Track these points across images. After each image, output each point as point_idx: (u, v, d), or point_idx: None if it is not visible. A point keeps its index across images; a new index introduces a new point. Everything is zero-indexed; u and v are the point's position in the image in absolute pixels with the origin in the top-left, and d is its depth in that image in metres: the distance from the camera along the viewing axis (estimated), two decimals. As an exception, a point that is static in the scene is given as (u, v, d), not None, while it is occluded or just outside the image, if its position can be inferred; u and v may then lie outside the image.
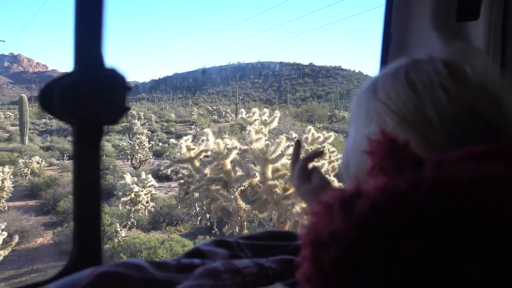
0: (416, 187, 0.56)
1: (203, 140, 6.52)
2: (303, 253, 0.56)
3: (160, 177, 16.47)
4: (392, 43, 1.53)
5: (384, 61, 1.55)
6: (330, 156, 7.12)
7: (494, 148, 0.64)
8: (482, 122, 0.73)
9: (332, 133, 7.33)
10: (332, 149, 7.26)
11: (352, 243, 0.52)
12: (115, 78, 1.08)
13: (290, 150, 6.26)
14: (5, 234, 9.00)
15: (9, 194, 13.23)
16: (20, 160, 17.70)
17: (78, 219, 1.11)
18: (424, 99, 0.74)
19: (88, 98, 1.06)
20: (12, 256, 9.88)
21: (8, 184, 13.01)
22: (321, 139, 7.10)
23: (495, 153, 0.63)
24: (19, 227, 11.32)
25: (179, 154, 6.69)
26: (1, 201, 12.71)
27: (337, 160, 7.08)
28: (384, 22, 1.56)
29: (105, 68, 1.07)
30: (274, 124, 6.87)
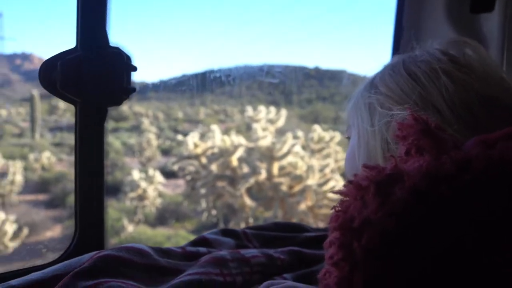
0: (464, 167, 0.52)
1: (209, 137, 6.58)
2: (331, 236, 0.53)
3: (167, 174, 16.49)
4: (404, 37, 1.49)
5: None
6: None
7: None
8: (495, 105, 0.71)
9: (337, 133, 7.36)
10: (338, 148, 7.31)
11: (388, 232, 0.49)
12: (119, 57, 1.05)
13: (296, 148, 6.32)
14: (15, 226, 9.13)
15: (20, 188, 13.35)
16: (31, 155, 17.81)
17: (80, 202, 1.09)
18: (429, 88, 0.73)
19: (90, 76, 1.01)
20: (21, 248, 9.99)
21: (19, 178, 13.12)
22: (327, 139, 7.14)
23: None
24: (29, 220, 11.43)
25: (186, 150, 6.74)
26: (12, 195, 12.81)
27: (342, 159, 7.11)
28: (396, 16, 1.51)
29: (109, 46, 1.03)
30: (281, 122, 6.92)
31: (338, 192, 0.56)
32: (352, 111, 0.87)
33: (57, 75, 1.00)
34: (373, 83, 0.83)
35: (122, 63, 1.06)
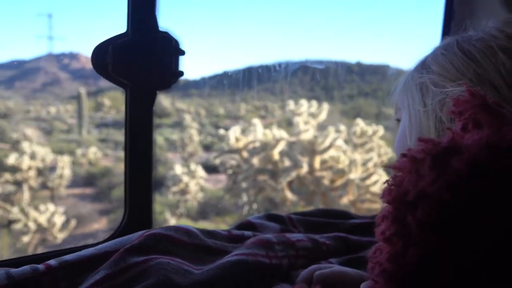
0: None
1: (251, 131, 6.62)
2: (384, 211, 0.52)
3: (209, 169, 16.73)
4: (455, 19, 1.45)
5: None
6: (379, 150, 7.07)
7: None
8: None
9: (381, 127, 7.26)
10: (381, 143, 7.20)
11: (444, 205, 0.47)
12: (168, 41, 1.07)
13: (338, 142, 6.26)
14: (63, 218, 9.50)
15: (68, 182, 13.90)
16: (78, 151, 18.45)
17: (130, 185, 1.10)
18: (485, 66, 0.72)
19: (140, 59, 1.04)
20: (69, 239, 10.37)
21: (67, 172, 13.64)
22: (370, 133, 7.05)
23: None
24: (76, 212, 11.87)
25: (227, 145, 6.81)
26: (60, 188, 13.33)
27: (385, 154, 7.02)
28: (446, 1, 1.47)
29: (158, 31, 1.05)
30: (323, 116, 6.89)
31: (391, 166, 0.53)
32: (402, 93, 0.86)
33: (108, 58, 1.02)
34: (425, 64, 0.82)
35: (171, 47, 1.08)
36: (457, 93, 0.69)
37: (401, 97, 0.87)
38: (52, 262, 0.83)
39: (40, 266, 0.82)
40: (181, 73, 1.11)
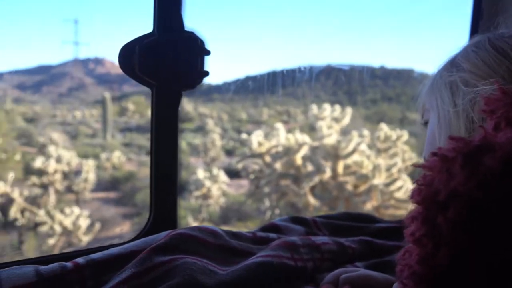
0: None
1: (273, 136, 6.62)
2: (413, 211, 0.51)
3: (231, 174, 16.80)
4: (483, 19, 1.43)
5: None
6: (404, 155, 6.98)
7: None
8: None
9: (405, 132, 7.17)
10: (406, 148, 7.12)
11: (476, 204, 0.46)
12: (194, 41, 1.07)
13: (362, 147, 6.21)
14: (88, 221, 9.65)
15: (93, 186, 14.12)
16: (103, 155, 18.73)
17: (155, 185, 1.11)
18: None
19: (166, 59, 1.04)
20: (93, 242, 10.52)
21: (92, 176, 13.85)
22: (394, 138, 6.97)
23: None
24: (100, 216, 12.05)
25: (250, 149, 6.82)
26: (85, 192, 13.55)
27: (410, 159, 6.94)
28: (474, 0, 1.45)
29: (184, 31, 1.06)
30: (346, 121, 6.85)
31: (421, 166, 0.53)
32: (430, 94, 0.84)
33: (135, 59, 1.03)
34: (454, 62, 0.80)
35: (197, 47, 1.08)
36: (489, 92, 0.67)
37: (429, 97, 0.85)
38: (80, 260, 0.84)
39: (68, 264, 0.83)
40: (207, 73, 1.11)
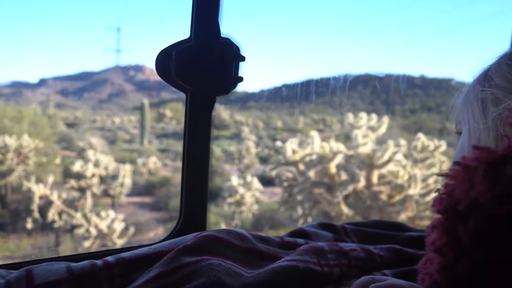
0: None
1: (308, 144, 6.60)
2: (435, 221, 0.51)
3: (265, 182, 16.81)
4: None
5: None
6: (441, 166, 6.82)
7: None
8: None
9: (443, 142, 7.00)
10: (443, 158, 6.95)
11: (497, 215, 0.45)
12: (229, 47, 1.09)
13: (398, 156, 6.11)
14: (123, 225, 9.85)
15: (128, 190, 14.40)
16: (139, 160, 19.10)
17: (186, 187, 1.12)
18: None
19: (202, 64, 1.06)
20: (127, 245, 10.72)
21: (128, 181, 14.13)
22: (431, 148, 6.82)
23: None
24: (135, 220, 12.26)
25: (284, 157, 6.81)
26: (121, 196, 13.83)
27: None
28: None
29: (220, 37, 1.08)
30: (382, 130, 6.75)
31: (444, 175, 0.52)
32: (463, 106, 0.83)
33: (172, 64, 1.05)
34: (487, 75, 0.78)
35: (232, 53, 1.10)
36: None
37: (462, 110, 0.83)
38: (110, 258, 0.86)
39: (99, 262, 0.85)
40: (241, 79, 1.13)
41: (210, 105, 1.11)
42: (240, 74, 1.12)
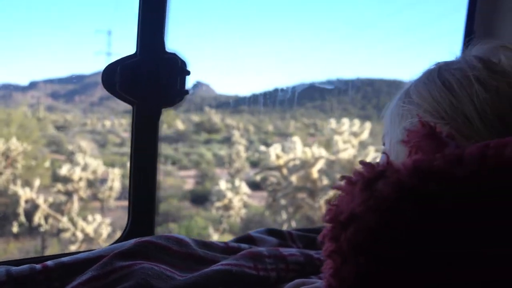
0: (456, 163, 0.50)
1: (290, 148, 6.64)
2: (325, 229, 0.54)
3: (255, 186, 16.76)
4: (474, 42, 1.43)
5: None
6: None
7: None
8: None
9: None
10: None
11: (370, 226, 0.49)
12: (174, 62, 1.14)
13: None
14: (109, 229, 9.82)
15: (117, 194, 14.31)
16: (128, 164, 18.96)
17: (133, 193, 1.17)
18: (461, 96, 0.71)
19: (146, 79, 1.10)
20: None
21: (117, 185, 14.04)
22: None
23: None
24: (123, 224, 12.18)
25: (268, 162, 6.84)
26: (110, 200, 13.74)
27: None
28: (467, 19, 1.48)
29: (165, 52, 1.13)
30: (364, 135, 6.80)
31: (335, 187, 0.56)
32: (386, 119, 0.87)
33: (117, 78, 1.10)
34: (408, 92, 0.82)
35: (177, 68, 1.15)
36: (415, 124, 0.70)
37: (386, 123, 0.87)
38: (49, 263, 0.91)
39: (38, 266, 0.90)
40: (186, 92, 1.18)
41: (156, 117, 1.17)
42: (187, 87, 1.17)
